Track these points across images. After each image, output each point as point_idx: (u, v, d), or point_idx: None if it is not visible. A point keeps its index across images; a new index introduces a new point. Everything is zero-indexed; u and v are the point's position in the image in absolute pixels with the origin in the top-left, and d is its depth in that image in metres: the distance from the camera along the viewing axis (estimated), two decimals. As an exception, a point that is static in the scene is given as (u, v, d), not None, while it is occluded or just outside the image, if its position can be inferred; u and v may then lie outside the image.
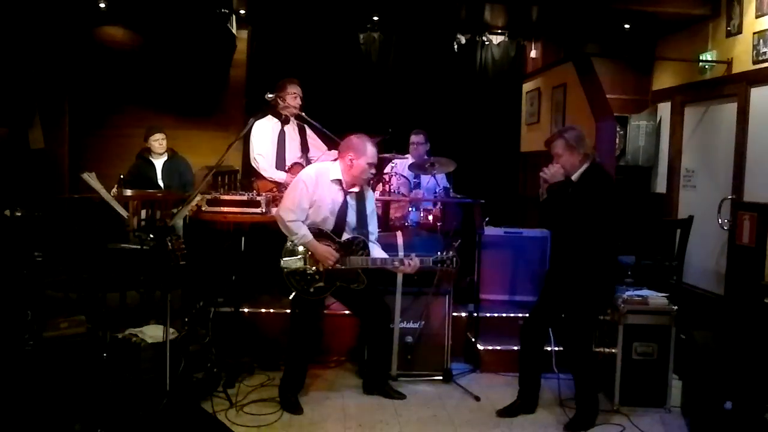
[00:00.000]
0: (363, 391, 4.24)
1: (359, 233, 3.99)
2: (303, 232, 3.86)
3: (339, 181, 3.94)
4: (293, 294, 3.95)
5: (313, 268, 3.90)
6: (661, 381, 4.12)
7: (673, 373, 4.13)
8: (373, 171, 4.01)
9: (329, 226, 3.96)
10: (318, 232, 3.91)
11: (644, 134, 6.60)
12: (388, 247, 4.28)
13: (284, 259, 3.90)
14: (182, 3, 6.15)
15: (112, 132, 6.79)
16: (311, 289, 3.91)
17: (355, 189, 3.99)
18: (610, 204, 3.73)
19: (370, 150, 3.88)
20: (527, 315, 4.08)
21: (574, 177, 3.77)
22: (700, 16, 5.83)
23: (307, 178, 3.92)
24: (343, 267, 3.90)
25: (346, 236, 3.98)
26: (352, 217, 4.00)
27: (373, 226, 4.09)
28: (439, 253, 4.00)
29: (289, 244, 3.91)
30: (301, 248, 3.90)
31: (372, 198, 4.16)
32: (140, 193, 4.71)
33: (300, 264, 3.89)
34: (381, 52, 7.11)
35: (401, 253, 4.27)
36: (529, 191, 6.62)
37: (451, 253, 4.00)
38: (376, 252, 4.01)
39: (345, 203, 3.98)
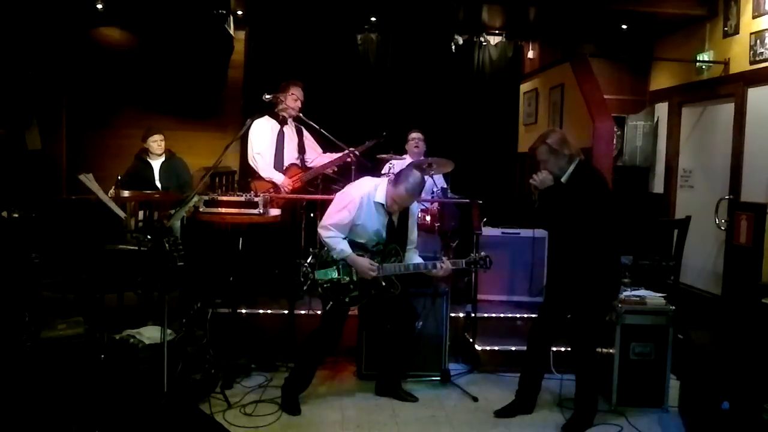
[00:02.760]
0: (375, 392, 4.24)
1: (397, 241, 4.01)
2: (341, 247, 3.88)
3: (382, 205, 3.93)
4: (330, 305, 3.93)
5: (347, 278, 3.90)
6: (659, 381, 4.12)
7: (670, 373, 4.13)
8: (414, 199, 3.96)
9: (372, 243, 3.97)
10: (351, 243, 3.92)
11: (642, 134, 6.61)
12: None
13: (318, 271, 3.91)
14: (179, 4, 6.15)
15: (109, 133, 6.79)
16: (347, 299, 3.93)
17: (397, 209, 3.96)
18: (604, 200, 3.72)
19: (412, 178, 3.83)
20: (535, 316, 4.07)
21: (563, 179, 3.76)
22: (697, 16, 5.84)
23: (351, 203, 3.89)
24: (379, 276, 3.91)
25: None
26: (395, 233, 4.00)
27: (414, 235, 4.10)
28: (472, 254, 4.09)
29: (323, 253, 3.92)
30: (333, 258, 3.90)
31: (416, 210, 4.18)
32: (138, 194, 4.70)
33: (334, 275, 3.90)
34: (379, 52, 7.10)
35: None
36: (527, 191, 6.63)
37: (483, 252, 4.08)
38: (413, 259, 4.04)
39: (390, 222, 3.98)
